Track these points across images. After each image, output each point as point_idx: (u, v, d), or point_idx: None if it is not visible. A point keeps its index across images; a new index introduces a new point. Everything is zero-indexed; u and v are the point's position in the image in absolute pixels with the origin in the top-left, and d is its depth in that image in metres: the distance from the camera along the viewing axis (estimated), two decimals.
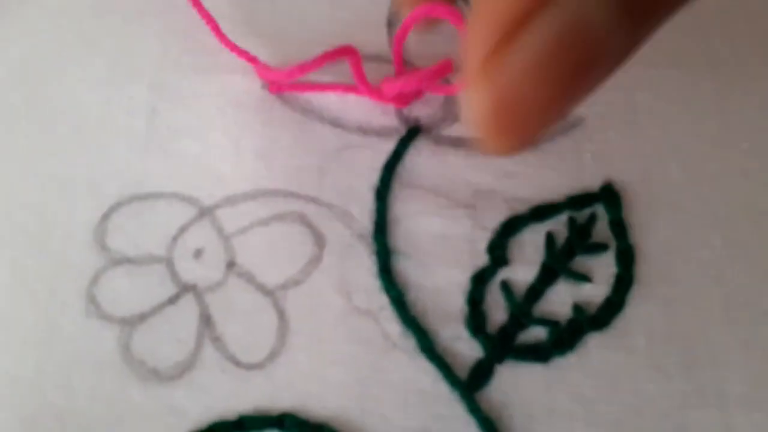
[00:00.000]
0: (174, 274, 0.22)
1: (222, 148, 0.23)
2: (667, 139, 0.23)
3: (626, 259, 0.21)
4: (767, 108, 0.23)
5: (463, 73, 0.14)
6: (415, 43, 0.25)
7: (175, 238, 0.22)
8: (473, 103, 0.13)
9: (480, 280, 0.21)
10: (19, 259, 0.22)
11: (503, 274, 0.21)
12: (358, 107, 0.24)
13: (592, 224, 0.22)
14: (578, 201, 0.22)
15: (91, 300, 0.21)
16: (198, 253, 0.22)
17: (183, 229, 0.22)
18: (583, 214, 0.22)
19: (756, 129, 0.23)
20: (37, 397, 0.20)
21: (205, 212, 0.22)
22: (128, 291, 0.21)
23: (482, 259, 0.21)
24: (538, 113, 0.13)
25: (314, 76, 0.24)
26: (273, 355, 0.20)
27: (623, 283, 0.21)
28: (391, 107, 0.24)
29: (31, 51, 0.26)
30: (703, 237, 0.22)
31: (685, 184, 0.22)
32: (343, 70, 0.24)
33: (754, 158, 0.23)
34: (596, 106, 0.24)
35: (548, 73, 0.13)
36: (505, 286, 0.21)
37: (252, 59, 0.24)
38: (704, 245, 0.22)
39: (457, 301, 0.21)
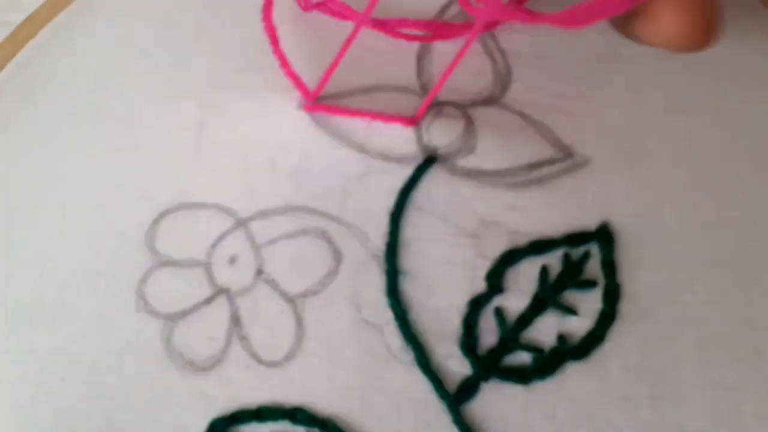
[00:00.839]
0: (211, 278, 0.25)
1: (260, 166, 0.26)
2: (666, 185, 0.25)
3: (612, 297, 0.23)
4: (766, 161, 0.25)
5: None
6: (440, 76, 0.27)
7: (213, 245, 0.25)
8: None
9: (476, 305, 0.24)
10: (81, 254, 0.26)
11: (498, 301, 0.24)
12: (382, 135, 0.26)
13: (585, 261, 0.24)
14: (575, 238, 0.24)
15: (141, 296, 0.25)
16: (232, 260, 0.25)
17: (221, 238, 0.25)
18: (577, 251, 0.24)
19: (755, 181, 0.24)
20: (94, 377, 0.24)
21: (240, 223, 0.26)
22: (172, 290, 0.25)
23: (480, 286, 0.24)
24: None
25: (346, 101, 0.27)
26: (290, 356, 0.24)
27: (606, 318, 0.23)
28: (412, 135, 0.26)
29: (99, 64, 0.29)
30: (687, 281, 0.23)
31: (677, 230, 0.24)
32: (372, 99, 0.27)
33: (748, 210, 0.24)
34: (605, 149, 0.25)
35: None
36: (499, 313, 0.24)
37: (297, 79, 0.26)
38: (687, 289, 0.23)
39: (453, 322, 0.24)
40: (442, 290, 0.24)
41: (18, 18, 0.30)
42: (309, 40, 0.28)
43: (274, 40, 0.27)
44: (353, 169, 0.26)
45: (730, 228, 0.24)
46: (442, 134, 0.26)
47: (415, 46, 0.28)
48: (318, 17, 0.28)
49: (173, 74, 0.28)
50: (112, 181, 0.27)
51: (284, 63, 0.27)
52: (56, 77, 0.28)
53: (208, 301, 0.25)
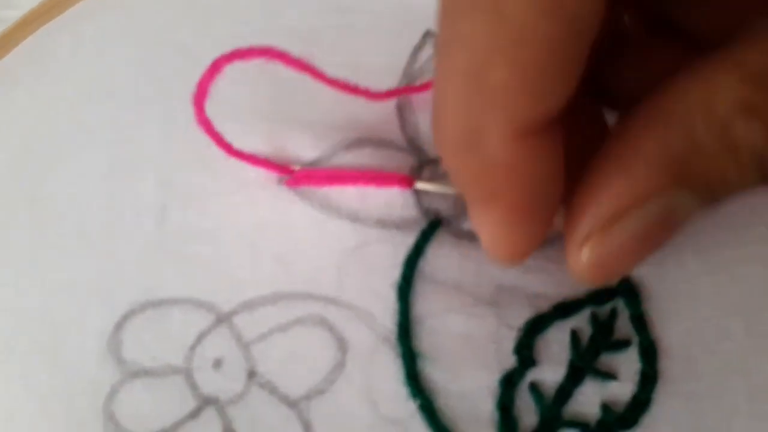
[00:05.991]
0: (194, 387, 0.21)
1: (238, 251, 0.23)
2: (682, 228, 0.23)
3: (649, 354, 0.21)
4: None
5: (566, 242, 0.17)
6: (428, 131, 0.25)
7: (192, 348, 0.21)
8: (575, 261, 0.17)
9: (509, 383, 0.21)
10: (32, 374, 0.21)
11: (531, 375, 0.21)
12: (377, 200, 0.24)
13: (613, 320, 0.22)
14: (599, 296, 0.22)
15: (110, 417, 0.21)
16: (217, 363, 0.21)
17: (201, 338, 0.22)
18: (604, 310, 0.22)
19: None
20: None
21: (222, 319, 0.22)
22: (148, 406, 0.21)
23: (509, 360, 0.21)
24: (623, 270, 0.20)
25: (330, 162, 0.24)
26: None
27: (648, 379, 0.21)
28: (410, 198, 0.24)
29: (25, 142, 0.25)
30: (723, 327, 0.22)
31: (701, 273, 0.23)
32: (357, 156, 0.24)
33: None
34: None
35: (641, 247, 0.17)
36: (534, 389, 0.21)
37: (269, 165, 0.23)
38: (725, 336, 0.22)
39: (486, 406, 0.21)
40: (468, 370, 0.21)
41: (12, 15, 0.26)
42: (267, 100, 0.25)
43: (215, 137, 0.23)
44: (348, 242, 0.23)
45: (756, 263, 0.23)
46: (442, 194, 0.24)
47: (393, 98, 0.26)
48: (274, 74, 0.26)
49: (119, 150, 0.24)
50: (60, 283, 0.22)
51: (240, 155, 0.23)
52: None
53: (194, 414, 0.21)
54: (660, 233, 0.17)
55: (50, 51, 0.27)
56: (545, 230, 0.18)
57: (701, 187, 0.16)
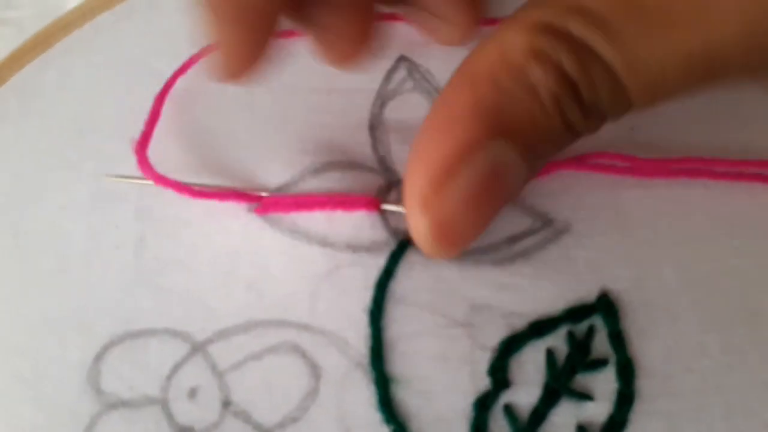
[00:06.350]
0: (170, 417, 0.21)
1: (211, 280, 0.23)
2: (657, 241, 0.23)
3: (626, 373, 0.21)
4: (755, 204, 0.23)
5: (404, 203, 0.18)
6: (399, 149, 0.25)
7: (169, 378, 0.22)
8: (416, 227, 0.18)
9: (483, 406, 0.21)
10: (15, 408, 0.21)
11: (506, 397, 0.21)
12: (345, 222, 0.24)
13: (591, 338, 0.22)
14: (576, 313, 0.22)
15: None
16: (192, 393, 0.21)
17: (176, 367, 0.22)
18: (581, 328, 0.22)
19: (745, 226, 0.23)
20: None
21: (197, 348, 0.22)
22: None
23: (483, 382, 0.21)
24: (466, 233, 0.19)
25: (298, 187, 0.24)
26: None
27: (625, 399, 0.21)
28: (378, 220, 0.24)
29: (10, 178, 0.26)
30: (701, 345, 0.21)
31: (679, 289, 0.22)
32: (325, 180, 0.24)
33: (745, 256, 0.23)
34: (582, 211, 0.23)
35: (475, 204, 0.18)
36: (509, 411, 0.21)
37: (235, 196, 0.24)
38: (703, 354, 0.21)
39: (460, 430, 0.21)
40: (442, 394, 0.21)
41: (12, 15, 0.26)
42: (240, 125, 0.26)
43: (173, 185, 0.23)
44: (318, 267, 0.23)
45: (732, 278, 0.22)
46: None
47: (365, 117, 0.26)
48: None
49: (100, 182, 0.25)
50: (41, 316, 0.23)
51: (203, 194, 0.23)
52: None
53: None
54: (491, 190, 0.18)
55: (38, 86, 0.28)
56: (260, 45, 0.19)
57: (516, 135, 0.17)
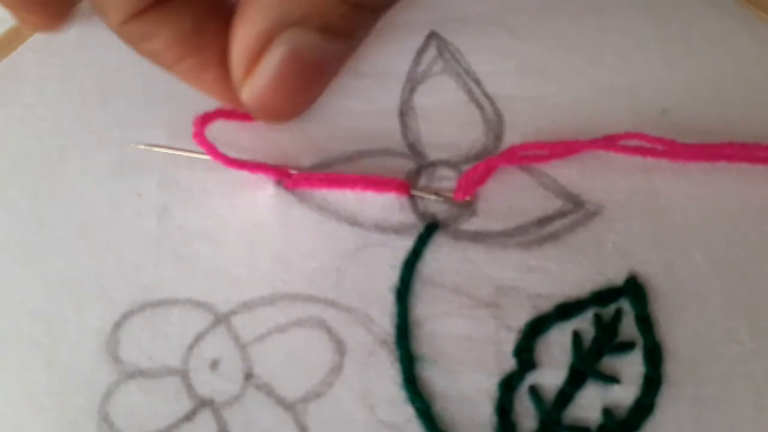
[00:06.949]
0: (190, 388, 0.21)
1: (237, 251, 0.22)
2: (688, 226, 0.23)
3: (654, 357, 0.21)
4: None
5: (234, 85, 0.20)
6: (429, 136, 0.25)
7: (190, 348, 0.21)
8: (244, 100, 0.20)
9: (508, 387, 0.21)
10: (28, 372, 0.21)
11: (531, 378, 0.21)
12: (374, 204, 0.23)
13: (618, 321, 0.21)
14: (603, 296, 0.22)
15: (104, 418, 0.20)
16: (214, 364, 0.21)
17: (198, 338, 0.21)
18: (608, 311, 0.22)
19: None
20: None
21: (221, 319, 0.22)
22: (143, 407, 0.21)
23: (509, 363, 0.21)
24: (284, 108, 0.20)
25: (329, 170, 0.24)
26: None
27: (652, 383, 0.21)
28: (407, 202, 0.23)
29: (30, 140, 0.25)
30: (730, 330, 0.21)
31: (709, 274, 0.22)
32: (357, 167, 0.24)
33: None
34: (615, 194, 0.23)
35: (284, 84, 0.19)
36: (534, 392, 0.21)
37: (267, 170, 0.23)
38: (732, 339, 0.21)
39: (485, 410, 0.20)
40: (467, 373, 0.21)
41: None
42: None
43: (212, 151, 0.23)
44: (347, 245, 0.23)
45: (763, 263, 0.22)
46: (439, 198, 0.23)
47: (395, 103, 0.25)
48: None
49: (124, 150, 0.24)
50: (60, 282, 0.22)
51: (238, 164, 0.23)
52: None
53: (189, 416, 0.20)
54: (298, 71, 0.19)
55: (58, 44, 0.27)
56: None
57: (304, 21, 0.18)
